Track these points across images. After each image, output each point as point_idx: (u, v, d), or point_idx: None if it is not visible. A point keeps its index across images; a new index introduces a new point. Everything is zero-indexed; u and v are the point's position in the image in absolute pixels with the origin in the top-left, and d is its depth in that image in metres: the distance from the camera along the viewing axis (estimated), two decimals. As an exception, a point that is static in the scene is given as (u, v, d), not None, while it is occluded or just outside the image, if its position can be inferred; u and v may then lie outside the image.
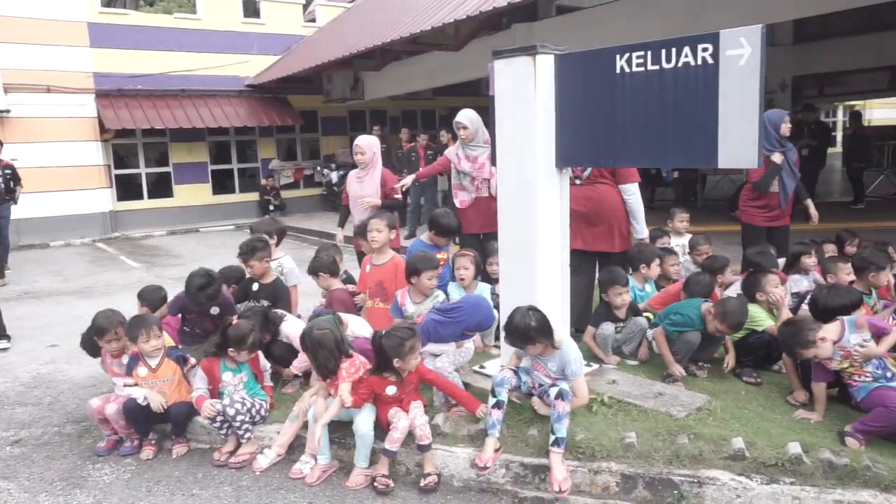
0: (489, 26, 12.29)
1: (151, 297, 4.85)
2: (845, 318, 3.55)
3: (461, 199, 5.85)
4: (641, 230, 4.90)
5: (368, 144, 5.96)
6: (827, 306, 3.78)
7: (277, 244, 5.35)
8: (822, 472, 3.06)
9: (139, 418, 3.93)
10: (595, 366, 4.18)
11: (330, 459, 3.65)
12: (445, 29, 10.87)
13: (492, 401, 3.40)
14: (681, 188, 12.02)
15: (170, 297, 4.74)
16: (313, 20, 19.46)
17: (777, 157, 5.68)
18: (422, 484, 3.38)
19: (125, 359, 4.11)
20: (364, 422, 3.50)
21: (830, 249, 5.55)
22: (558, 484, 3.16)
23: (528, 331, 3.37)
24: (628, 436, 3.34)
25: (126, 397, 3.93)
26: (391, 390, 3.53)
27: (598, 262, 5.03)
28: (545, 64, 3.61)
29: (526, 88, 3.63)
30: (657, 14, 9.40)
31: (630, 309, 4.44)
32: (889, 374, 3.41)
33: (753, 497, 3.04)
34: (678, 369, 3.98)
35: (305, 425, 3.78)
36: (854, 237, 5.82)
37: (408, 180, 6.37)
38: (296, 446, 3.82)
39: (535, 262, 3.74)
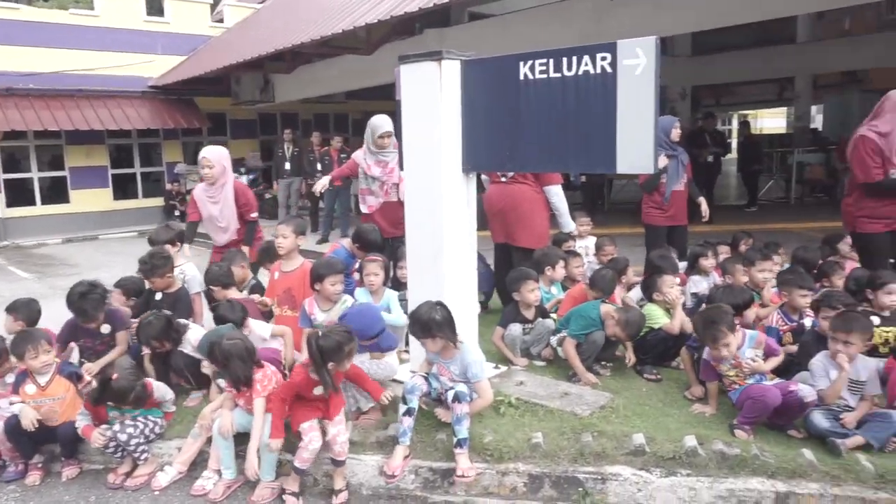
0: (402, 31, 12.29)
1: (25, 309, 4.50)
2: (748, 331, 3.73)
3: (369, 203, 5.82)
4: (566, 224, 5.62)
5: (217, 157, 5.53)
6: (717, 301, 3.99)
7: (179, 249, 5.15)
8: (716, 462, 3.20)
9: (22, 439, 3.67)
10: (503, 368, 4.24)
11: (236, 474, 3.52)
12: (357, 32, 10.78)
13: (402, 408, 3.38)
14: (588, 192, 12.41)
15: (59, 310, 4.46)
16: (221, 20, 18.91)
17: (662, 161, 5.94)
18: (334, 502, 3.32)
19: (10, 377, 3.83)
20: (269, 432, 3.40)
21: (724, 251, 5.84)
22: (462, 471, 3.22)
23: (431, 323, 3.40)
24: (535, 436, 3.40)
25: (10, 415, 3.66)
26: (318, 390, 3.42)
27: (514, 257, 5.37)
28: (451, 70, 3.63)
29: (432, 94, 3.64)
30: (568, 22, 9.66)
31: (538, 310, 4.52)
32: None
33: (653, 490, 3.15)
34: (590, 378, 4.08)
35: (209, 440, 3.64)
36: (748, 237, 6.16)
37: (324, 181, 6.25)
38: (198, 462, 3.67)
39: (442, 267, 3.75)
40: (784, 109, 26.76)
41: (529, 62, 3.38)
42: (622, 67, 3.05)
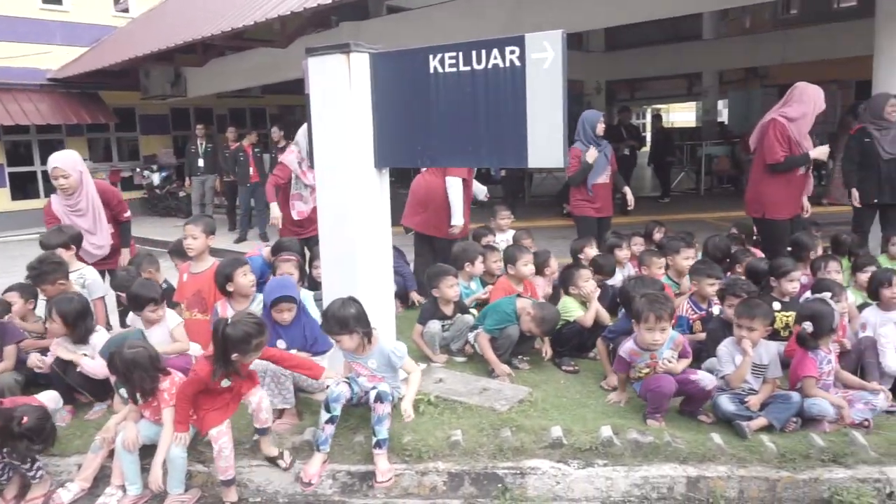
0: (317, 23, 12.03)
1: None
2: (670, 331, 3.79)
3: (298, 209, 5.72)
4: (455, 219, 5.53)
5: (72, 163, 4.92)
6: (632, 295, 4.04)
7: (77, 253, 4.83)
8: (631, 451, 3.26)
9: None
10: (423, 365, 4.18)
11: (141, 489, 3.33)
12: (272, 25, 10.49)
13: (325, 416, 3.26)
14: (508, 185, 12.53)
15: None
16: (126, 10, 18.02)
17: (591, 156, 6.06)
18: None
19: None
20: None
21: (639, 242, 5.99)
22: (381, 474, 3.16)
23: (347, 318, 3.33)
24: (454, 434, 3.37)
25: None
26: (226, 382, 3.26)
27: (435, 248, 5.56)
28: (360, 63, 3.54)
29: (341, 88, 3.54)
30: (486, 16, 9.69)
31: (457, 306, 4.50)
32: None
33: (571, 482, 3.18)
34: (504, 370, 4.08)
35: (111, 454, 3.43)
36: (661, 226, 6.36)
37: (276, 213, 5.81)
38: (100, 478, 3.45)
39: (356, 264, 3.66)
40: (693, 104, 27.84)
41: (439, 55, 3.33)
42: (530, 61, 3.05)
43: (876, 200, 6.10)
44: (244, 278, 4.01)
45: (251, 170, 10.88)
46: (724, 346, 3.62)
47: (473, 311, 4.68)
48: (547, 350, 4.33)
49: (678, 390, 3.47)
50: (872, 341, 3.84)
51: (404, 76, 3.50)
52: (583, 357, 4.43)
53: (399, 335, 4.41)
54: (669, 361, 3.52)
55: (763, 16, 19.31)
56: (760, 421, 3.36)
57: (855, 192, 6.16)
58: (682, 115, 34.14)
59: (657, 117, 16.52)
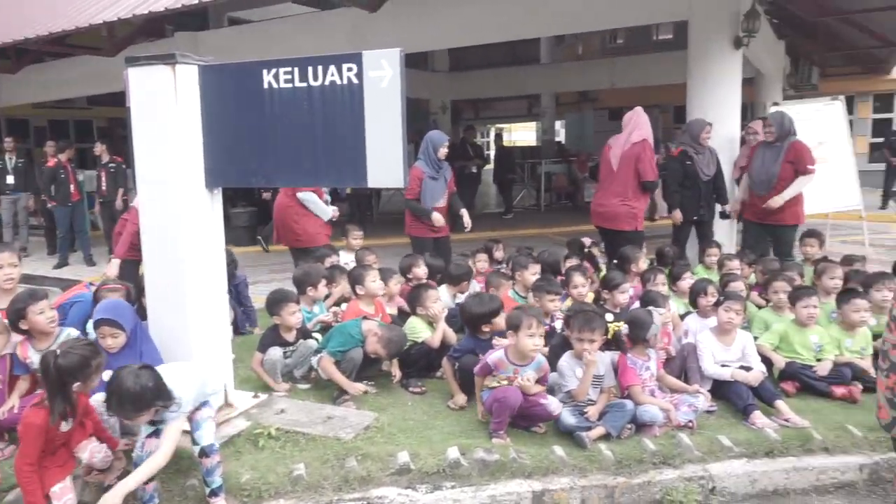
0: (150, 32, 11.31)
1: None
2: (538, 356, 3.80)
3: None
4: (323, 216, 6.04)
5: None
6: (472, 313, 4.10)
7: None
8: (478, 470, 3.25)
9: None
10: (263, 396, 3.96)
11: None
12: (98, 31, 9.68)
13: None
14: (355, 203, 12.41)
15: None
16: (-80, 7, 15.92)
17: (437, 220, 6.16)
18: None
19: None
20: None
21: (483, 258, 6.11)
22: None
23: (144, 395, 2.74)
24: (297, 468, 3.19)
25: None
26: (66, 425, 2.84)
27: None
28: (187, 75, 3.30)
29: (166, 102, 3.28)
30: (331, 33, 9.58)
31: (300, 332, 4.32)
32: None
33: (419, 508, 3.11)
34: (358, 387, 3.97)
35: None
36: (498, 243, 6.56)
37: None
38: None
39: (185, 292, 3.39)
40: (533, 124, 29.31)
41: (274, 70, 3.18)
42: (368, 79, 2.99)
43: (696, 217, 6.67)
44: (40, 316, 3.47)
45: (72, 187, 9.94)
46: (565, 361, 3.73)
47: (317, 334, 4.52)
48: (396, 373, 4.26)
49: (525, 412, 3.52)
50: (693, 347, 4.14)
51: (237, 91, 3.31)
52: (429, 377, 4.40)
53: (238, 364, 4.17)
54: (528, 380, 3.55)
55: (594, 44, 20.75)
56: (599, 430, 3.49)
57: (676, 213, 6.65)
58: (523, 134, 35.80)
59: (500, 136, 17.21)
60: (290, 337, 4.27)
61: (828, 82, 17.44)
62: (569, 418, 3.54)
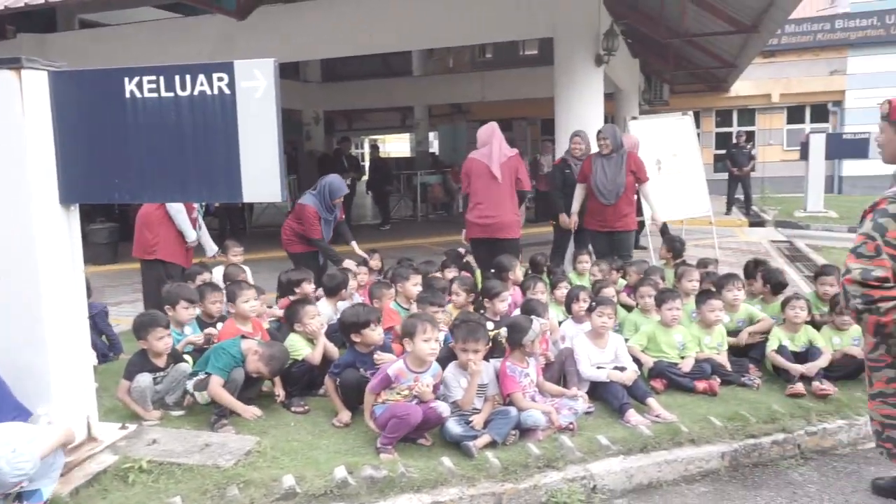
0: (-12, 33, 10.31)
1: None
2: (435, 362, 3.77)
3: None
4: (189, 237, 5.81)
5: None
6: (344, 322, 4.06)
7: None
8: (367, 488, 3.19)
9: None
10: (132, 427, 3.68)
11: None
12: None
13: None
14: (227, 217, 11.93)
15: None
16: None
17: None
18: None
19: None
20: None
21: (363, 271, 6.05)
22: None
23: None
24: (172, 502, 2.99)
25: None
26: None
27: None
28: (36, 81, 3.03)
29: (11, 111, 2.98)
30: (198, 40, 9.16)
31: (171, 356, 4.06)
32: None
33: (307, 532, 3.01)
34: (253, 411, 3.80)
35: None
36: (374, 252, 6.57)
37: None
38: None
39: (41, 318, 3.09)
40: (408, 135, 29.54)
41: (137, 78, 2.98)
42: (241, 89, 2.87)
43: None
44: None
45: None
46: (450, 372, 3.76)
47: (188, 356, 4.27)
48: (280, 392, 4.09)
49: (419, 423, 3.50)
50: (570, 351, 4.30)
51: (95, 100, 3.07)
52: (312, 395, 4.28)
53: (102, 393, 3.86)
54: (427, 386, 3.56)
55: (464, 58, 21.24)
56: (485, 438, 3.53)
57: (564, 217, 7.01)
58: (397, 145, 35.99)
59: (374, 147, 17.20)
60: (161, 362, 4.01)
61: (677, 98, 18.92)
62: (455, 428, 3.56)
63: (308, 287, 5.22)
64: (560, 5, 7.70)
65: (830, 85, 20.00)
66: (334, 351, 4.36)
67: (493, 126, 6.18)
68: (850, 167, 18.85)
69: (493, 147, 5.99)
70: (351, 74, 17.89)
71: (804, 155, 14.73)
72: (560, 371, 4.30)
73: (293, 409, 4.06)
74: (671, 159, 8.69)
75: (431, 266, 5.81)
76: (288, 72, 15.36)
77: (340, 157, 13.65)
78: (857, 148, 14.54)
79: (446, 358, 3.95)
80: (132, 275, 8.87)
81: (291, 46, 8.99)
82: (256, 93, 2.87)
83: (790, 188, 18.02)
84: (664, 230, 7.14)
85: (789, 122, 21.33)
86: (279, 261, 7.41)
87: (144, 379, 3.89)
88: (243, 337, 4.08)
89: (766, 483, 3.56)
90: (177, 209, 5.68)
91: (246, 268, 5.91)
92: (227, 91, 2.90)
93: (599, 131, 6.77)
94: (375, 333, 4.01)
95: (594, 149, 6.91)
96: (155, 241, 5.70)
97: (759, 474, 3.65)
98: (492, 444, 3.53)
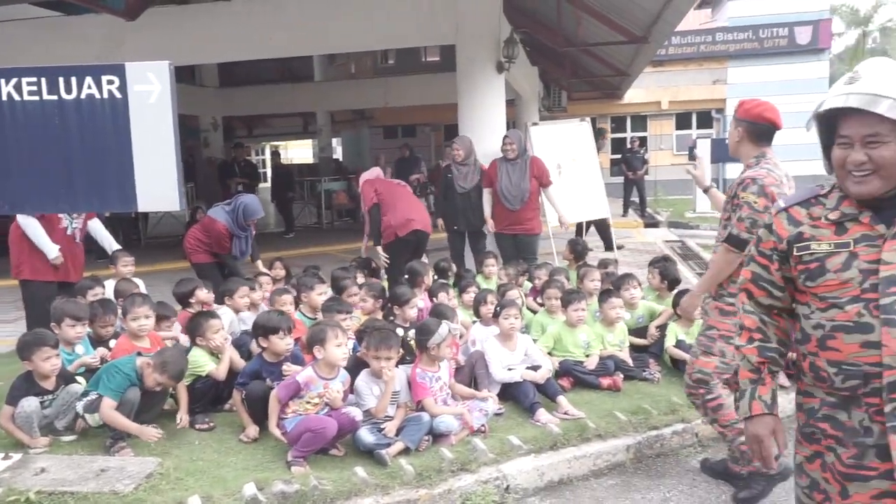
0: None
1: None
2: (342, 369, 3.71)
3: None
4: (49, 253, 5.10)
5: None
6: (256, 324, 4.01)
7: None
8: (278, 504, 3.10)
9: None
10: (16, 456, 3.41)
11: None
12: None
13: None
14: (119, 228, 11.30)
15: None
16: None
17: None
18: None
19: None
20: None
21: (267, 280, 5.89)
22: None
23: None
24: (65, 534, 2.79)
25: None
26: None
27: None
28: None
29: None
30: (86, 40, 8.63)
31: (60, 378, 3.79)
32: None
33: (215, 555, 2.88)
34: (151, 433, 3.59)
35: None
36: (279, 261, 6.42)
37: None
38: None
39: None
40: (310, 141, 29.07)
41: (14, 80, 2.78)
42: (133, 93, 2.73)
43: (455, 227, 7.07)
44: None
45: None
46: (362, 381, 3.71)
47: (81, 377, 4.00)
48: (183, 413, 3.88)
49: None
50: (481, 354, 4.34)
51: (-35, 103, 2.83)
52: (218, 411, 4.11)
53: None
54: (338, 392, 3.51)
55: (366, 64, 21.15)
56: (398, 446, 3.51)
57: (440, 221, 7.16)
58: (300, 151, 35.37)
59: (276, 154, 16.80)
60: (48, 384, 3.73)
61: (575, 105, 19.62)
62: (367, 437, 3.51)
63: (203, 294, 5.01)
64: (461, 13, 7.80)
65: (713, 93, 21.34)
66: (241, 363, 4.20)
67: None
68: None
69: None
70: (250, 79, 17.44)
71: (692, 159, 15.61)
72: (471, 374, 4.34)
73: (197, 426, 3.88)
74: (571, 164, 8.97)
75: (347, 272, 5.72)
76: (183, 75, 14.77)
77: (233, 164, 13.31)
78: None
79: (354, 366, 3.90)
80: (14, 291, 8.27)
81: (185, 49, 8.65)
82: (150, 97, 2.74)
83: (680, 191, 19.06)
84: (604, 227, 7.37)
85: (678, 128, 22.61)
86: (178, 272, 7.10)
87: (30, 403, 3.60)
88: (139, 354, 3.85)
89: (668, 472, 3.72)
90: (28, 223, 5.02)
91: (139, 281, 5.60)
92: (118, 95, 2.75)
93: (506, 136, 6.90)
94: (283, 342, 3.91)
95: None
96: (20, 260, 5.15)
97: (661, 464, 3.82)
98: (405, 451, 3.52)
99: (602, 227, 9.81)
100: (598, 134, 11.66)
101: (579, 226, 9.23)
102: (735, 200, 3.05)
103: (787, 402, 3.99)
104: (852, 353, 1.73)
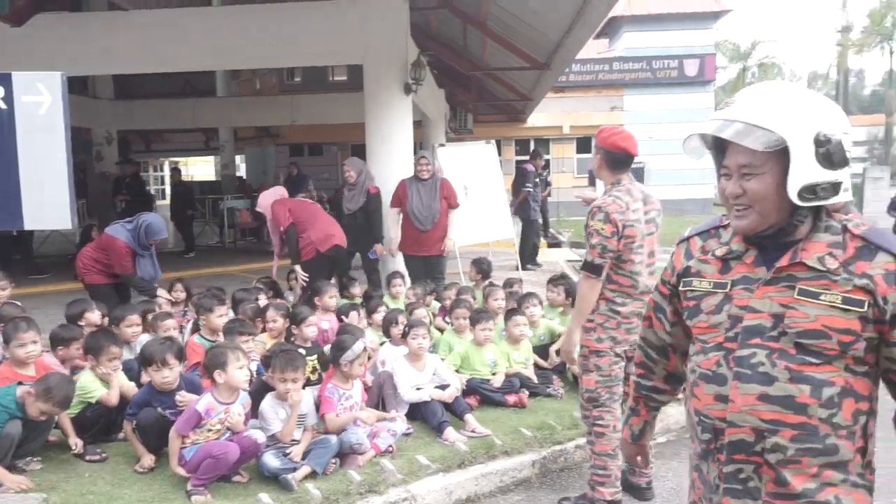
0: None
1: None
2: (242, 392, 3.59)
3: None
4: None
5: None
6: (140, 354, 3.86)
7: None
8: (176, 537, 2.96)
9: None
10: None
11: None
12: None
13: None
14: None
15: None
16: None
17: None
18: None
19: None
20: None
21: (165, 302, 5.65)
22: None
23: None
24: (-66, 582, 2.55)
25: None
26: None
27: None
28: None
29: None
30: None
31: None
32: None
33: None
34: (16, 481, 3.30)
35: None
36: (179, 282, 6.15)
37: None
38: None
39: None
40: (213, 158, 28.18)
41: None
42: (21, 104, 2.57)
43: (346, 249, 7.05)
44: None
45: None
46: (267, 404, 3.61)
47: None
48: (76, 443, 3.64)
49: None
50: (389, 374, 4.33)
51: None
52: (110, 441, 3.89)
53: None
54: (239, 416, 3.42)
55: (271, 80, 20.80)
56: (304, 470, 3.43)
57: (379, 246, 7.02)
58: (201, 168, 34.23)
59: (176, 171, 16.19)
60: None
61: (480, 127, 20.05)
62: (273, 461, 3.43)
63: (92, 316, 4.74)
64: (369, 35, 7.83)
65: (611, 119, 22.38)
66: (133, 389, 3.99)
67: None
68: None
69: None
70: (148, 92, 16.75)
71: (592, 181, 16.26)
72: (378, 395, 4.32)
73: (88, 457, 3.65)
74: (477, 185, 9.15)
75: (249, 294, 5.55)
76: (75, 86, 14.01)
77: (123, 180, 12.76)
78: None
79: (258, 390, 3.79)
80: None
81: (78, 60, 8.21)
82: (40, 108, 2.59)
83: (581, 212, 19.70)
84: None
85: (578, 151, 23.55)
86: (67, 293, 6.69)
87: None
88: (20, 383, 3.57)
89: (571, 485, 3.83)
90: None
91: (17, 303, 5.22)
92: (2, 105, 2.58)
93: (422, 156, 6.97)
94: (159, 375, 3.63)
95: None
96: None
97: (565, 478, 3.93)
98: (312, 475, 3.46)
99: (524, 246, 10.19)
100: (534, 155, 11.80)
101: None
102: (588, 229, 3.19)
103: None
104: (707, 405, 1.59)
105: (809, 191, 1.46)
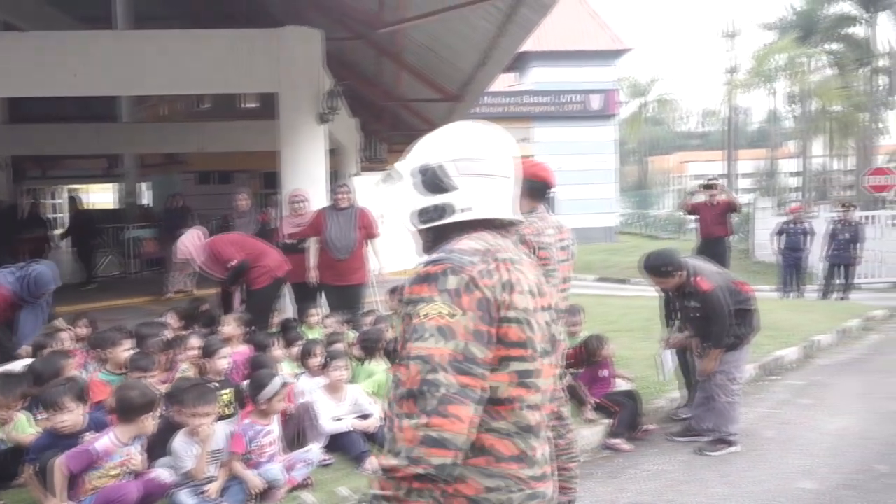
0: None
1: None
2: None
3: None
4: None
5: None
6: (40, 398, 3.64)
7: None
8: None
9: None
10: None
11: None
12: None
13: None
14: None
15: None
16: None
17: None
18: None
19: None
20: None
21: (65, 337, 5.36)
22: None
23: None
24: None
25: None
26: None
27: None
28: None
29: None
30: None
31: None
32: None
33: None
34: None
35: None
36: (84, 318, 5.86)
37: None
38: None
39: None
40: (114, 185, 26.95)
41: None
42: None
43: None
44: None
45: None
46: (179, 442, 3.50)
47: None
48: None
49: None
50: (307, 406, 4.28)
51: None
52: (10, 487, 3.64)
53: None
54: (141, 454, 3.30)
55: (179, 106, 20.24)
56: (220, 507, 3.34)
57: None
58: (102, 196, 32.67)
59: (74, 199, 15.43)
60: None
61: (394, 157, 20.12)
62: (188, 500, 3.33)
63: None
64: (283, 62, 7.81)
65: (521, 151, 23.02)
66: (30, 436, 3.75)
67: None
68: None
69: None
70: (45, 116, 15.91)
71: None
72: (297, 427, 4.26)
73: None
74: (393, 214, 9.20)
75: (152, 328, 5.32)
76: (-38, 109, 13.20)
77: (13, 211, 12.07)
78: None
79: (165, 429, 3.64)
80: None
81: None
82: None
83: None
84: None
85: (495, 180, 24.05)
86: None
87: None
88: None
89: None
90: None
91: None
92: None
93: (343, 185, 7.04)
94: (56, 420, 3.41)
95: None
96: None
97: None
98: (229, 512, 3.36)
99: None
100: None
101: None
102: None
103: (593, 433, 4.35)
104: None
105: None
